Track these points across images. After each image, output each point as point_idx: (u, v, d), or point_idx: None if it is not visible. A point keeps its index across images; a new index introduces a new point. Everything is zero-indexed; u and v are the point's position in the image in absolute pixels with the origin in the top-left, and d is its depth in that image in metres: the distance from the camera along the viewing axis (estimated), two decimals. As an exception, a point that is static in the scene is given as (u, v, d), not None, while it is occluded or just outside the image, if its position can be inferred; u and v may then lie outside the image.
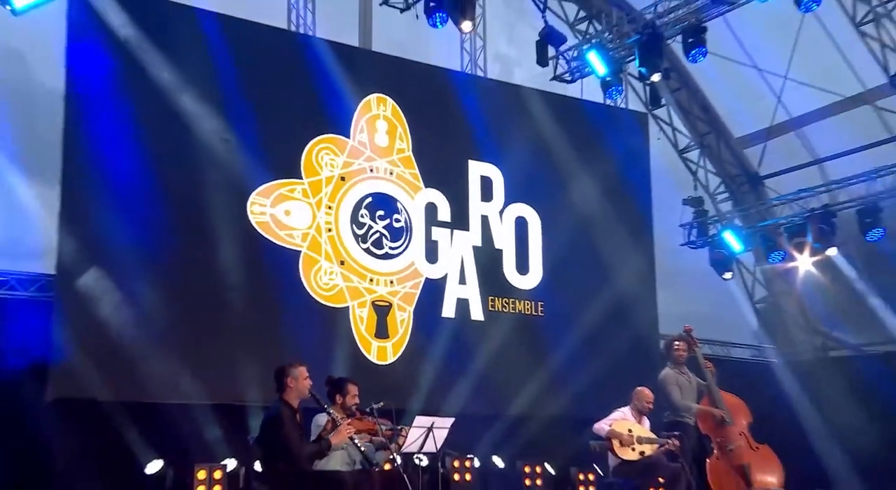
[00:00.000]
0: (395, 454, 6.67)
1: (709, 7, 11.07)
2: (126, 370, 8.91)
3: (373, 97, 11.14)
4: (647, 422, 8.42)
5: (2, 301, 9.27)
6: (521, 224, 11.93)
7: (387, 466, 6.74)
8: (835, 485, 10.11)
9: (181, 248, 9.55)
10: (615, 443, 8.02)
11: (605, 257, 12.17)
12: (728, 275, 13.64)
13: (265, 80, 10.28)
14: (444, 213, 11.36)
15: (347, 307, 10.49)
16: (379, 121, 11.17)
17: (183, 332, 9.37)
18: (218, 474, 8.57)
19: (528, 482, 10.44)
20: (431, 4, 10.75)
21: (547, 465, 10.71)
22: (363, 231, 10.78)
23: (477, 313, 11.34)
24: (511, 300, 11.64)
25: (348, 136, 10.87)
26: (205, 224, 9.61)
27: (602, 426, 8.16)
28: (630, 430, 8.09)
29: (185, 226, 9.62)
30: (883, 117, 12.26)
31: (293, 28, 11.14)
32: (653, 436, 8.16)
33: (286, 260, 10.16)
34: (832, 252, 12.60)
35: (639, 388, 8.46)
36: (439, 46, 11.95)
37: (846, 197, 12.42)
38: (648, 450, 8.01)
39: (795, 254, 12.98)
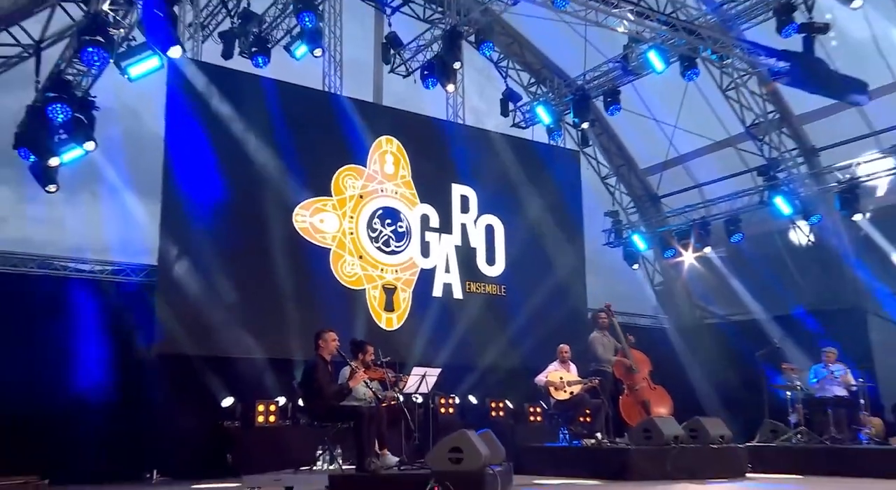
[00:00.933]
0: (398, 394, 6.71)
1: (621, 76, 11.18)
2: (207, 333, 9.03)
3: (383, 138, 11.19)
4: (573, 367, 8.43)
5: (120, 284, 9.41)
6: (489, 229, 11.99)
7: (392, 403, 6.66)
8: (707, 413, 10.29)
9: (245, 246, 9.63)
10: (551, 389, 8.09)
11: (549, 253, 12.24)
12: (636, 266, 13.81)
13: (306, 125, 10.34)
14: (434, 221, 11.43)
15: (364, 289, 10.56)
16: (387, 155, 11.23)
17: (247, 306, 9.40)
18: (272, 408, 8.80)
19: (493, 413, 10.61)
20: (425, 73, 10.89)
21: (507, 402, 10.84)
22: (376, 234, 10.83)
23: (458, 294, 11.41)
24: (482, 284, 11.71)
25: (365, 166, 10.93)
26: (262, 229, 9.70)
27: (540, 378, 8.21)
28: (561, 378, 8.13)
29: (248, 230, 9.68)
30: (741, 155, 12.49)
31: (326, 89, 11.21)
32: (579, 378, 8.22)
33: (320, 255, 10.24)
34: (707, 250, 12.79)
35: (559, 346, 8.54)
36: (431, 102, 11.98)
37: (717, 211, 12.58)
38: (576, 390, 8.07)
39: (682, 251, 13.09)
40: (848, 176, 11.05)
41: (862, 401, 8.53)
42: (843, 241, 11.71)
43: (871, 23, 9.61)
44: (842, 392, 8.70)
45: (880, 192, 11.03)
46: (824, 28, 9.13)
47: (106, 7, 7.10)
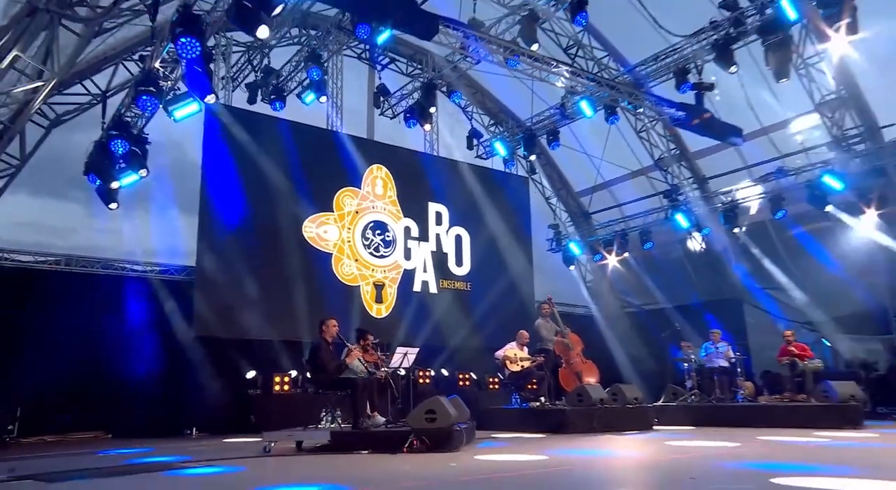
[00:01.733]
0: (385, 368, 6.54)
1: (560, 120, 11.41)
2: (234, 320, 9.10)
3: (374, 165, 11.30)
4: (525, 349, 8.38)
5: (165, 281, 9.48)
6: (458, 238, 12.14)
7: (381, 375, 6.36)
8: (625, 380, 10.45)
9: (265, 251, 9.68)
10: (507, 362, 8.01)
11: (505, 257, 12.37)
12: (572, 267, 14.08)
13: (313, 156, 10.41)
14: (415, 232, 11.57)
15: (359, 285, 10.66)
16: (377, 179, 11.35)
17: (266, 299, 9.42)
18: (286, 379, 8.88)
19: (461, 383, 10.66)
20: (407, 115, 11.17)
21: (472, 374, 10.93)
22: (368, 242, 10.93)
23: (433, 289, 11.54)
24: (452, 282, 11.84)
25: (360, 188, 11.03)
26: (278, 238, 9.78)
27: (499, 353, 8.13)
28: (515, 354, 8.08)
29: (266, 239, 9.74)
30: (651, 182, 12.83)
31: (329, 127, 11.31)
32: (528, 356, 8.20)
33: (324, 259, 10.32)
34: (626, 255, 13.14)
35: (520, 332, 8.40)
36: (412, 137, 12.14)
37: (633, 225, 12.91)
38: (527, 364, 8.06)
39: (607, 256, 13.42)
40: (729, 199, 11.54)
41: (739, 369, 8.83)
42: (726, 248, 12.07)
43: (744, 84, 9.97)
44: (724, 363, 8.94)
45: (753, 211, 11.40)
46: (710, 87, 9.56)
47: (157, 65, 7.24)
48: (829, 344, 10.63)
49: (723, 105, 10.33)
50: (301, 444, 5.74)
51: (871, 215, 9.82)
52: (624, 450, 5.38)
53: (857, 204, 9.89)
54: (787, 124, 10.67)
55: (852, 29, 7.63)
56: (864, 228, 9.93)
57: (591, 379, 8.19)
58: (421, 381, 9.93)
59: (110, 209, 8.30)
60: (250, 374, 9.05)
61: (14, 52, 5.18)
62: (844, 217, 10.09)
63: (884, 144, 9.65)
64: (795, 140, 10.76)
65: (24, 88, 5.81)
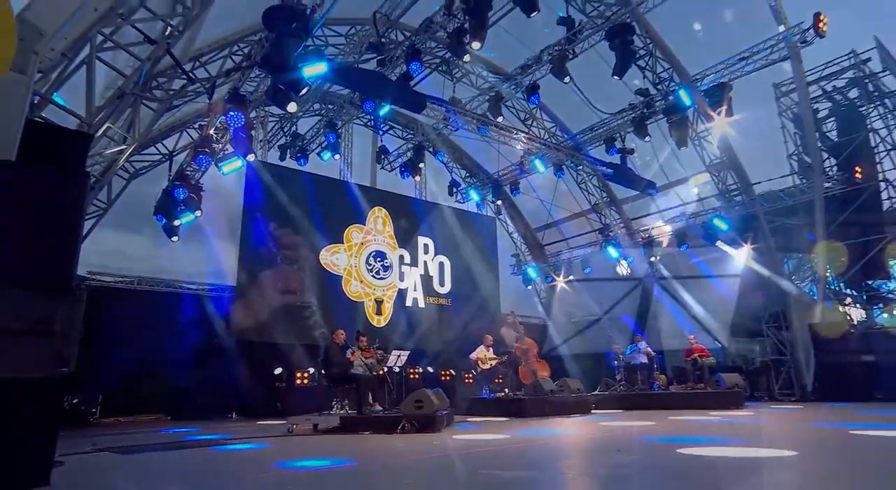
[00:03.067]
0: (383, 367, 6.41)
1: (520, 174, 11.58)
2: (265, 327, 9.08)
3: (376, 207, 11.44)
4: (491, 349, 8.42)
5: (213, 297, 9.49)
6: (441, 264, 12.24)
7: (380, 373, 6.33)
8: (570, 374, 10.14)
9: (290, 274, 9.67)
10: (479, 362, 8.13)
11: (477, 279, 12.47)
12: (530, 287, 14.16)
13: (328, 200, 10.54)
14: (407, 259, 11.66)
15: (363, 301, 10.68)
16: (378, 218, 11.47)
17: (290, 311, 9.43)
18: (305, 374, 8.91)
19: (442, 378, 10.72)
20: (402, 169, 11.26)
21: (451, 371, 10.97)
22: (371, 267, 11.00)
23: (422, 304, 11.58)
24: (436, 298, 11.88)
25: (365, 224, 11.15)
26: (300, 264, 9.82)
27: (473, 355, 8.27)
28: (485, 355, 8.16)
29: (291, 265, 9.76)
30: (590, 222, 13.06)
31: (341, 178, 11.44)
32: (495, 356, 8.27)
33: (335, 280, 10.38)
34: (571, 278, 13.41)
35: (485, 336, 8.56)
36: (406, 186, 12.24)
37: (576, 255, 13.20)
38: (494, 363, 8.15)
39: (557, 278, 13.63)
40: (647, 235, 11.94)
41: (655, 365, 9.08)
42: (646, 272, 12.36)
43: (656, 149, 10.52)
44: (645, 360, 9.14)
45: (664, 244, 11.77)
46: (631, 151, 10.02)
47: (212, 132, 7.52)
48: (720, 345, 10.98)
49: (640, 165, 10.89)
50: (317, 426, 5.77)
51: (747, 249, 10.29)
52: (569, 429, 5.46)
53: (737, 240, 10.35)
54: (687, 180, 11.21)
55: (729, 112, 8.27)
56: (743, 259, 10.40)
57: (544, 374, 8.26)
58: (411, 376, 9.96)
59: (172, 241, 8.42)
60: (277, 371, 9.03)
61: (107, 125, 5.43)
62: (729, 250, 10.52)
63: (754, 197, 10.20)
64: (693, 192, 11.30)
65: (112, 150, 6.02)
